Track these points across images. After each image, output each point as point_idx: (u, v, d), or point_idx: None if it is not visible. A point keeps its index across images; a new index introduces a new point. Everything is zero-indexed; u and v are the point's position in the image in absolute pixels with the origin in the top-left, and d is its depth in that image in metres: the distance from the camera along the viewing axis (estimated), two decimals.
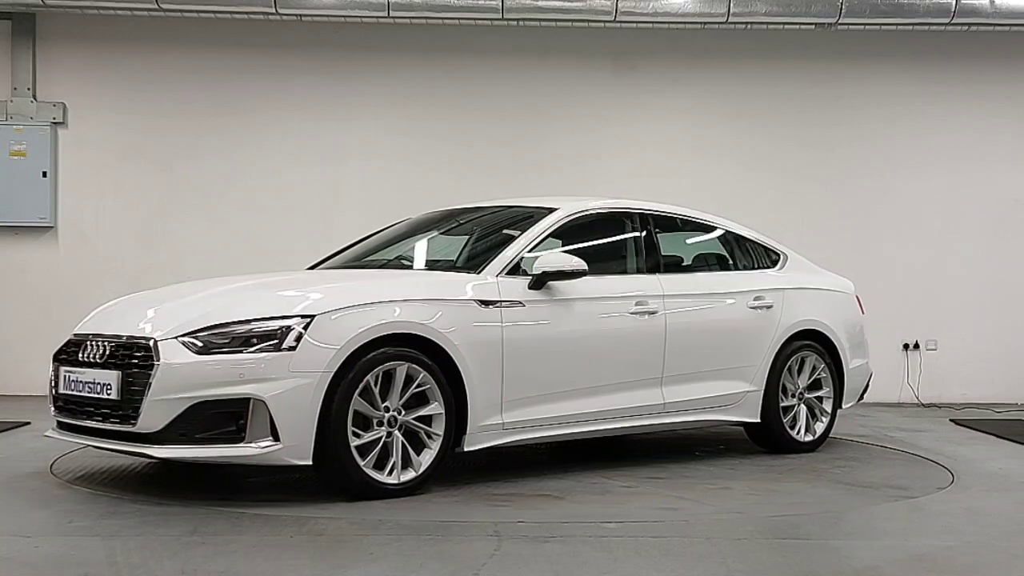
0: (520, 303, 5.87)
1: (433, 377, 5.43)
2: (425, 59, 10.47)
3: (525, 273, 6.00)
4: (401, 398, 5.37)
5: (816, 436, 7.30)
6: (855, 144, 10.64)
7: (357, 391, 5.20)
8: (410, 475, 5.38)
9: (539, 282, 5.97)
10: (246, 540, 4.45)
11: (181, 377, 5.05)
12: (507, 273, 5.96)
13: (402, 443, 5.37)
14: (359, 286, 5.68)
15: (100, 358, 5.33)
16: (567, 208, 6.54)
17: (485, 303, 5.74)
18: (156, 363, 5.06)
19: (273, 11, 9.64)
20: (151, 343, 5.14)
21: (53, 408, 5.67)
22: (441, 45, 10.43)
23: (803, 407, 7.27)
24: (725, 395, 6.88)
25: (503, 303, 5.80)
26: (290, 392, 5.05)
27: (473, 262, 6.17)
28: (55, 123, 10.21)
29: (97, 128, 10.34)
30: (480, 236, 6.81)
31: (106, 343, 5.36)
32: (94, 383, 5.31)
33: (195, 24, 10.18)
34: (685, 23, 9.97)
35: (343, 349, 5.17)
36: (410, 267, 6.64)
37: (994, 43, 10.45)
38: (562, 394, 6.05)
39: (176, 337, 5.14)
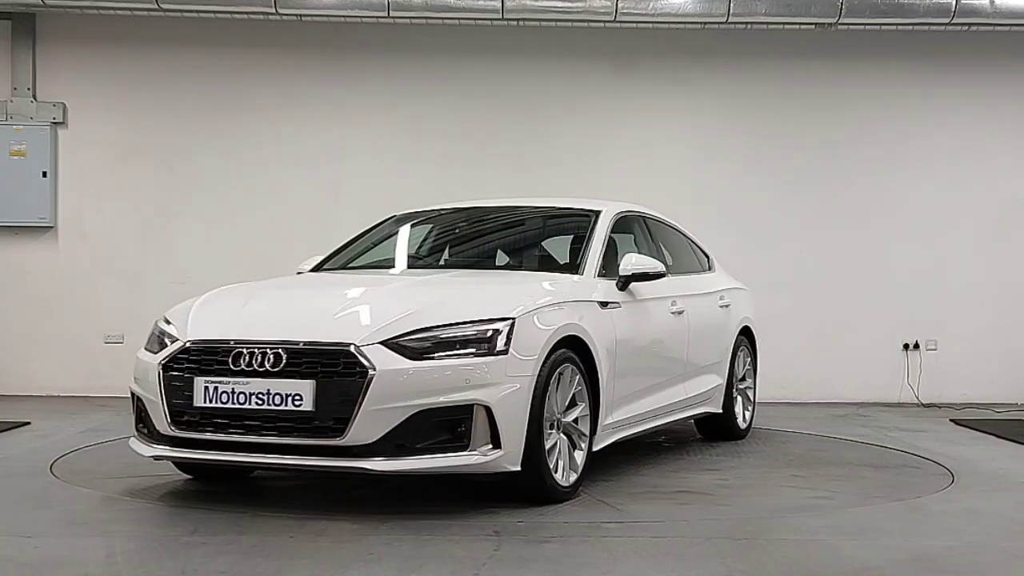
0: (618, 304, 5.92)
1: (582, 378, 5.41)
2: (425, 59, 10.46)
3: (608, 275, 6.03)
4: (566, 400, 5.33)
5: (748, 423, 7.89)
6: (855, 144, 10.63)
7: (548, 394, 5.11)
8: (573, 477, 5.36)
9: (625, 283, 6.04)
10: (246, 540, 4.45)
11: (401, 384, 4.73)
12: (597, 275, 5.99)
13: (567, 445, 5.34)
14: (528, 289, 5.51)
15: (273, 366, 4.82)
16: (611, 209, 6.61)
17: (603, 304, 5.77)
18: (371, 370, 4.71)
19: (273, 11, 9.63)
20: (350, 348, 4.78)
21: (174, 426, 5.01)
22: (441, 45, 10.42)
23: (739, 397, 7.78)
24: (709, 389, 7.24)
25: (611, 304, 5.84)
26: (509, 396, 4.89)
27: (559, 265, 6.17)
28: (55, 123, 10.20)
29: (97, 128, 10.33)
30: (531, 237, 6.76)
31: (278, 349, 4.86)
32: (269, 394, 4.80)
33: (195, 24, 10.17)
34: (685, 23, 9.96)
35: (542, 351, 5.06)
36: (491, 267, 6.42)
37: (994, 43, 10.43)
38: (640, 392, 6.19)
39: (381, 342, 4.82)
